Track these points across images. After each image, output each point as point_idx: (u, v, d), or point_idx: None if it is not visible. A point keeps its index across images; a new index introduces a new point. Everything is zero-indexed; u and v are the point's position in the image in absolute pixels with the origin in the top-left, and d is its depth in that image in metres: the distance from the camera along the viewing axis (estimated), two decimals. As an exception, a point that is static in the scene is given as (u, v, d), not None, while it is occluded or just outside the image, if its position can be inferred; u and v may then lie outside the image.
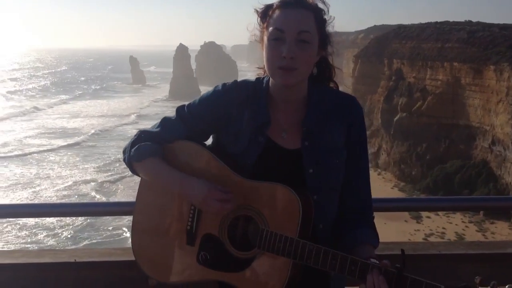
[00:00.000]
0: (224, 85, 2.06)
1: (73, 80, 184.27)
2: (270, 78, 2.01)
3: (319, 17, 1.94)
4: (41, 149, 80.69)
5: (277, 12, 1.92)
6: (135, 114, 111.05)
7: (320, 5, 1.96)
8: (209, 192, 1.89)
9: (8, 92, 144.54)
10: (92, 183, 64.47)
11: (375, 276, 1.73)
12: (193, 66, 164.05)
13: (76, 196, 58.18)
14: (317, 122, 2.00)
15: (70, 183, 64.44)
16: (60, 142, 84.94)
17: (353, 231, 1.98)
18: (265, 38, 1.93)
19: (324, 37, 1.97)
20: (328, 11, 1.98)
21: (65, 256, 2.58)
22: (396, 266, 1.73)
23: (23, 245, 42.77)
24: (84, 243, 44.39)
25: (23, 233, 47.08)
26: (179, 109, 2.09)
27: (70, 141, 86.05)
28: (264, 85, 2.03)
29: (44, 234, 47.20)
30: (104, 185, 64.31)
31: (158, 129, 2.06)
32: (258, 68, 2.15)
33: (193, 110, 2.06)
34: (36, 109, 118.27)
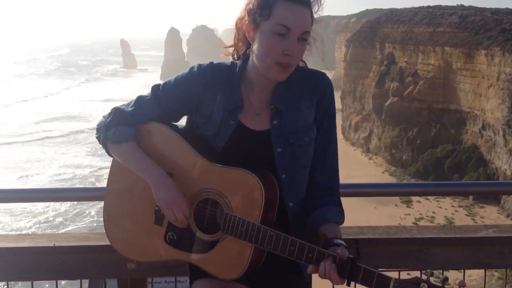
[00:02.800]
0: (199, 66, 2.09)
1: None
2: (249, 63, 2.03)
3: (312, 14, 1.97)
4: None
5: (280, 3, 1.90)
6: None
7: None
8: (173, 202, 1.94)
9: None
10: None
11: (327, 264, 1.79)
12: (185, 50, 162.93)
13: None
14: (286, 101, 2.03)
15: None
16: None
17: (319, 209, 2.03)
18: (262, 27, 1.93)
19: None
20: (319, 5, 1.99)
21: (43, 241, 2.61)
22: (349, 256, 1.78)
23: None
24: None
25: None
26: (154, 88, 2.10)
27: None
28: (238, 69, 2.05)
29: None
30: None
31: (132, 109, 2.07)
32: (226, 47, 2.15)
33: (167, 90, 2.08)
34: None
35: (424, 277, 1.68)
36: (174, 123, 2.12)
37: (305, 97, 2.05)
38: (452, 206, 52.76)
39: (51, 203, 47.06)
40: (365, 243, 2.53)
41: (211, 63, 2.10)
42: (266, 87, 2.05)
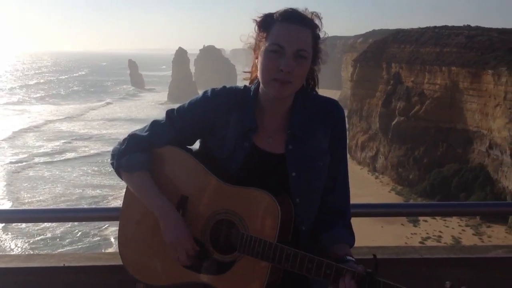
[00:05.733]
0: (213, 90, 2.12)
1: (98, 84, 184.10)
2: (260, 86, 2.05)
3: (315, 34, 2.00)
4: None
5: (277, 25, 1.96)
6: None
7: (317, 22, 2.01)
8: (177, 243, 1.97)
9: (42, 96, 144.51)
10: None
11: (347, 280, 1.79)
12: (192, 70, 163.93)
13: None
14: (301, 126, 2.06)
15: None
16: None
17: (330, 230, 2.05)
18: (262, 47, 1.97)
19: (316, 53, 2.04)
20: (321, 25, 2.03)
21: (54, 261, 2.62)
22: (368, 271, 1.79)
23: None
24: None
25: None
26: (169, 113, 2.13)
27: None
28: (252, 92, 2.08)
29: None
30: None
31: (147, 134, 2.10)
32: (245, 72, 2.20)
33: (182, 114, 2.11)
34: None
35: None
36: (188, 147, 2.14)
37: (320, 125, 2.08)
38: (460, 225, 52.31)
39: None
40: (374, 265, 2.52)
41: (224, 86, 2.13)
42: (278, 111, 2.07)
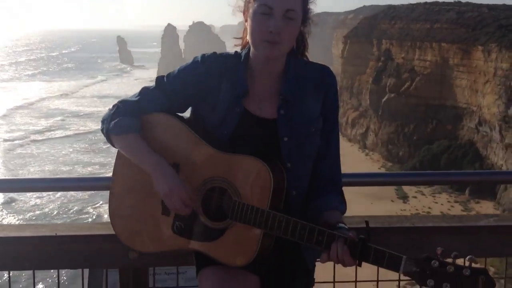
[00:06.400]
0: (203, 56, 2.10)
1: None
2: (251, 51, 2.04)
3: None
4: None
5: None
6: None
7: None
8: (175, 189, 1.93)
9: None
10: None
11: (339, 246, 1.80)
12: (182, 47, 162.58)
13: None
14: (293, 91, 2.05)
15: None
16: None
17: (322, 197, 2.06)
18: (251, 10, 1.96)
19: (305, 14, 2.03)
20: None
21: (45, 230, 2.60)
22: (360, 237, 1.79)
23: None
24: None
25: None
26: (159, 80, 2.11)
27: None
28: (243, 57, 2.07)
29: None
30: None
31: (137, 99, 2.08)
32: (235, 38, 2.18)
33: (172, 80, 2.08)
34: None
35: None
36: (179, 114, 2.12)
37: (312, 90, 2.07)
38: (448, 201, 52.93)
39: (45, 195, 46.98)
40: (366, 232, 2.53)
41: (215, 53, 2.11)
42: (269, 75, 2.06)
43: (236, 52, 2.13)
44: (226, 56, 2.10)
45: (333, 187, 2.11)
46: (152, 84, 2.13)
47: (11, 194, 42.63)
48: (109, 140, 2.07)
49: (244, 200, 1.91)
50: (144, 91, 2.11)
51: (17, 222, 44.98)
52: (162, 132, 2.06)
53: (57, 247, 2.52)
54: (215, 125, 2.04)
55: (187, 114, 2.16)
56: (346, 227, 1.92)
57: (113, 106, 2.09)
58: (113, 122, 2.03)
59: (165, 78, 2.11)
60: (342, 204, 2.10)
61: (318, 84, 2.08)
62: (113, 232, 2.14)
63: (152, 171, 1.98)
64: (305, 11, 2.02)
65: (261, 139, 2.02)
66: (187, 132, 2.02)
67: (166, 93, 2.07)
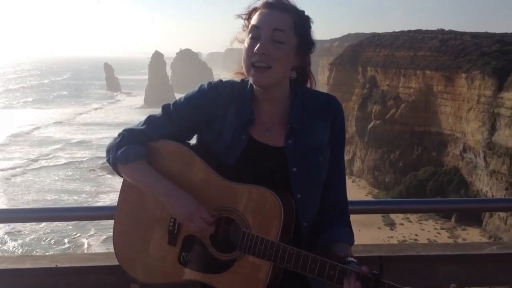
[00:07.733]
0: (209, 83, 2.08)
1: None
2: None
3: (299, 21, 1.97)
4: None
5: (257, 12, 1.97)
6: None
7: (301, 13, 1.99)
8: (190, 214, 1.90)
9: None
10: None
11: (352, 281, 1.76)
12: (169, 74, 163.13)
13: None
14: (301, 120, 2.03)
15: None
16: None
17: (330, 229, 2.03)
18: (246, 37, 1.97)
19: (304, 42, 2.00)
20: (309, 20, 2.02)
21: (45, 262, 2.55)
22: (373, 272, 1.76)
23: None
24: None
25: None
26: (165, 107, 2.09)
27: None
28: (249, 85, 2.05)
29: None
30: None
31: (143, 127, 2.05)
32: (237, 73, 2.14)
33: (178, 107, 2.06)
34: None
35: None
36: (186, 141, 2.10)
37: (320, 119, 2.05)
38: (435, 228, 52.95)
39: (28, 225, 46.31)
40: (371, 261, 2.51)
41: (221, 80, 2.10)
42: (273, 103, 2.04)
43: (242, 79, 2.11)
44: (232, 83, 2.08)
45: (341, 218, 2.09)
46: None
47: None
48: (116, 169, 2.04)
49: (253, 231, 1.88)
50: (150, 119, 2.08)
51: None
52: (168, 159, 2.03)
53: (58, 280, 2.48)
54: (221, 152, 2.01)
55: (192, 141, 2.14)
56: (355, 261, 1.89)
57: (118, 135, 2.06)
58: (119, 151, 2.00)
59: (171, 106, 2.09)
60: (351, 236, 2.07)
61: (326, 113, 2.07)
62: (114, 263, 2.10)
63: (165, 197, 1.95)
64: (303, 38, 1.99)
65: (268, 167, 2.00)
66: (193, 159, 1.99)
67: (172, 120, 2.05)
